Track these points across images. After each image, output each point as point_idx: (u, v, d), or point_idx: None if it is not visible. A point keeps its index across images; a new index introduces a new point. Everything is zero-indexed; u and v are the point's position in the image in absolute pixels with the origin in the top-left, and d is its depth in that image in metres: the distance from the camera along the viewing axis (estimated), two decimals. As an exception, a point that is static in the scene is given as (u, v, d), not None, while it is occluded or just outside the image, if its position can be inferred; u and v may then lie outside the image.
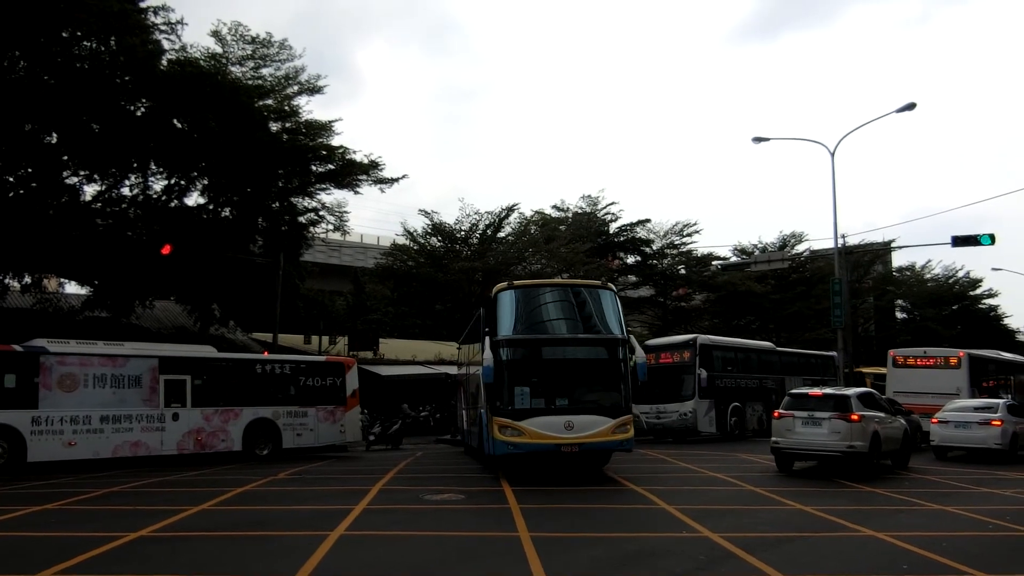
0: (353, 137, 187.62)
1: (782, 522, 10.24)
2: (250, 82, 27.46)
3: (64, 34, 22.41)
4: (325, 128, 29.22)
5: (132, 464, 17.48)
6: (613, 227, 45.67)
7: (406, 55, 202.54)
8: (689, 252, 47.10)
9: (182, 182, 28.18)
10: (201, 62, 25.81)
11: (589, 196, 45.53)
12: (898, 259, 62.19)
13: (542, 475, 14.69)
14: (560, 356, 14.42)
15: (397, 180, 31.16)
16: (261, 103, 27.48)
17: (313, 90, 29.24)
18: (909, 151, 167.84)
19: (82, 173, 25.86)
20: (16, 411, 16.13)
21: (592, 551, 8.45)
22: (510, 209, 37.00)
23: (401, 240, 38.50)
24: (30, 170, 24.74)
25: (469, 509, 11.50)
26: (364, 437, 23.72)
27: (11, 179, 24.72)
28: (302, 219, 31.20)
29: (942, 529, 9.77)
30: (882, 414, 16.40)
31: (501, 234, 37.17)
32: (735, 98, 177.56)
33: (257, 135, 26.06)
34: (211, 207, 29.57)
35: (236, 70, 27.42)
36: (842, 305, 28.22)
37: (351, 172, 30.04)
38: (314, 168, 29.84)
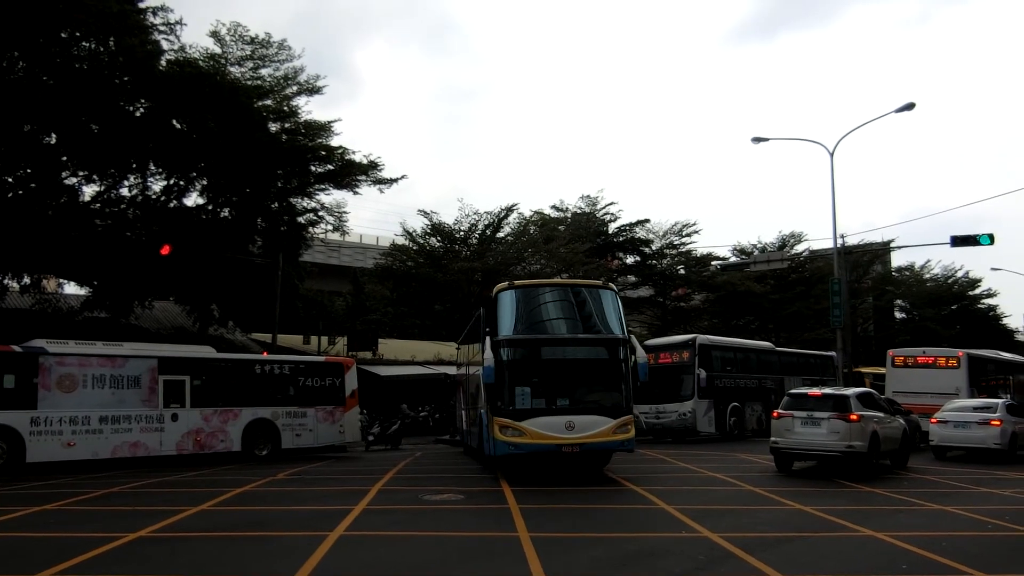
0: (352, 137, 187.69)
1: (781, 522, 10.25)
2: (249, 82, 27.44)
3: (63, 34, 22.39)
4: (324, 128, 29.22)
5: (131, 464, 17.47)
6: (612, 227, 45.70)
7: (405, 55, 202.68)
8: (688, 252, 47.13)
9: (181, 182, 28.17)
10: (200, 62, 25.80)
11: (588, 196, 45.62)
12: (897, 259, 62.31)
13: (541, 475, 14.68)
14: (561, 356, 14.38)
15: (396, 180, 31.18)
16: (260, 103, 27.46)
17: (312, 90, 29.24)
18: (908, 151, 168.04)
19: (81, 173, 25.85)
20: (15, 412, 16.12)
21: (592, 551, 8.45)
22: (509, 209, 37.02)
23: (400, 240, 38.52)
24: (29, 170, 24.72)
25: (468, 509, 11.50)
26: (363, 437, 23.72)
27: (10, 179, 24.70)
28: (301, 219, 31.19)
29: (941, 529, 9.77)
30: (881, 414, 16.42)
31: (500, 234, 37.18)
32: (734, 98, 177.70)
33: (256, 135, 26.04)
34: (210, 207, 29.56)
35: (235, 70, 27.41)
36: (841, 305, 28.23)
37: (350, 172, 30.03)
38: (313, 168, 29.82)
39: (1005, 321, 63.40)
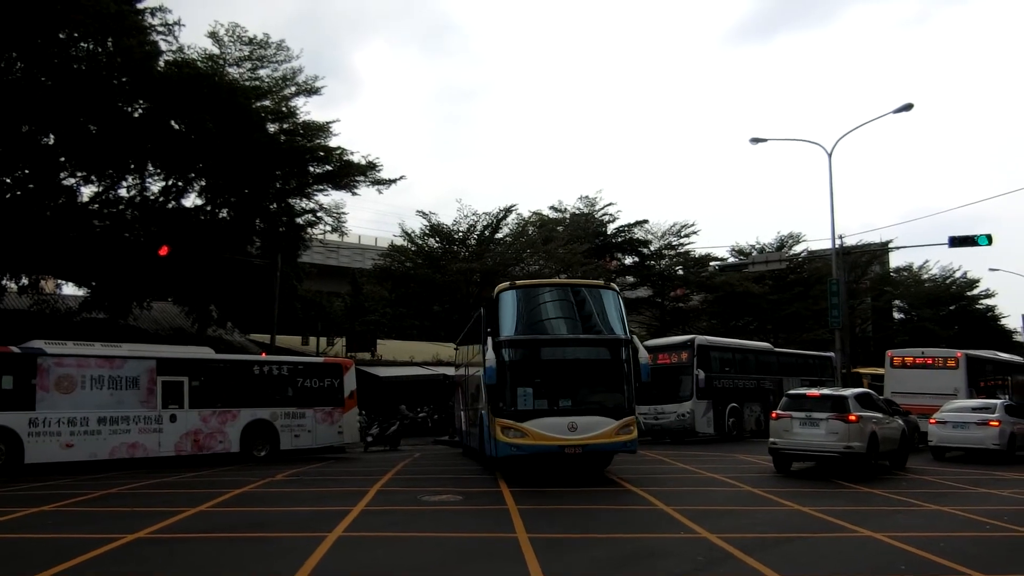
0: (351, 138, 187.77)
1: (780, 523, 10.25)
2: (247, 83, 27.42)
3: (61, 35, 22.38)
4: (323, 129, 29.20)
5: (130, 466, 17.46)
6: (611, 228, 45.68)
7: (404, 56, 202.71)
8: (687, 253, 47.11)
9: (179, 183, 28.15)
10: (198, 63, 25.78)
11: (587, 197, 45.60)
12: (895, 260, 62.37)
13: (540, 476, 14.67)
14: (563, 357, 14.33)
15: (395, 181, 31.17)
16: (258, 104, 27.44)
17: (311, 91, 29.23)
18: (907, 152, 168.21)
19: (79, 174, 25.83)
20: (13, 413, 16.11)
21: (590, 552, 8.45)
22: (508, 210, 37.00)
23: (399, 241, 38.49)
24: (27, 171, 24.69)
25: (467, 510, 11.49)
26: (362, 438, 23.72)
27: (8, 180, 24.68)
28: (300, 220, 31.17)
29: (940, 529, 9.78)
30: (880, 415, 16.43)
31: (499, 235, 37.15)
32: (732, 99, 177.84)
33: (255, 136, 26.03)
34: (209, 208, 29.54)
35: (233, 71, 27.39)
36: (839, 306, 28.24)
37: (349, 173, 30.01)
38: (312, 169, 29.80)
39: (1003, 321, 63.53)
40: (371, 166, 30.18)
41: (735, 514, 10.96)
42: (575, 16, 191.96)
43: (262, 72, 28.19)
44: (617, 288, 15.78)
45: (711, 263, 47.21)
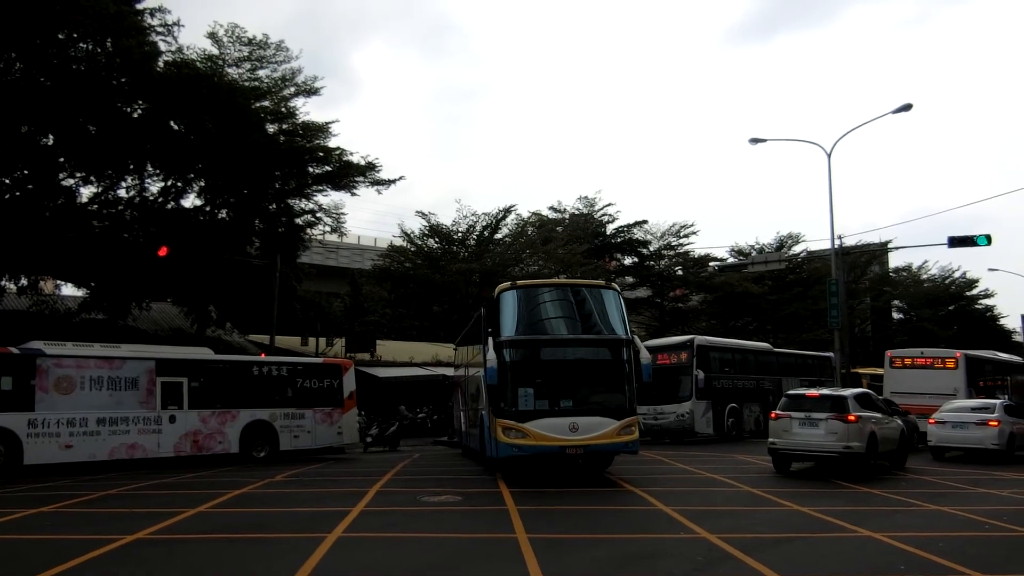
0: (350, 139, 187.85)
1: (780, 523, 10.25)
2: (247, 84, 27.42)
3: (60, 36, 22.37)
4: (322, 130, 29.20)
5: (129, 466, 17.45)
6: (610, 228, 45.70)
7: (404, 56, 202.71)
8: (686, 253, 47.15)
9: (179, 184, 28.14)
10: (198, 64, 25.77)
11: (586, 197, 45.66)
12: (895, 260, 62.44)
13: (539, 477, 14.67)
14: (564, 357, 14.30)
15: (394, 181, 31.16)
16: (258, 105, 27.43)
17: (310, 91, 29.22)
18: (906, 152, 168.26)
19: (78, 175, 25.82)
20: (12, 414, 16.10)
21: (590, 552, 8.45)
22: (507, 210, 37.02)
23: (398, 242, 38.50)
24: (26, 172, 24.69)
25: (467, 511, 11.49)
26: (361, 439, 23.71)
27: (7, 181, 24.67)
28: (299, 221, 31.16)
29: (939, 529, 9.78)
30: (879, 415, 16.43)
31: (498, 235, 37.16)
32: (732, 99, 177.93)
33: (254, 137, 26.02)
34: (208, 209, 29.54)
35: (233, 72, 27.38)
36: (839, 306, 28.25)
37: (348, 174, 30.01)
38: (311, 170, 29.80)
39: (1003, 322, 63.62)
40: (370, 166, 30.19)
41: (735, 514, 10.96)
42: (575, 16, 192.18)
43: (261, 72, 28.21)
44: (618, 288, 15.76)
45: (710, 263, 47.23)
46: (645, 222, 45.97)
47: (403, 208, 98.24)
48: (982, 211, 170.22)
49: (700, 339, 26.55)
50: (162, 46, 24.40)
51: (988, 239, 26.51)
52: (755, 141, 29.38)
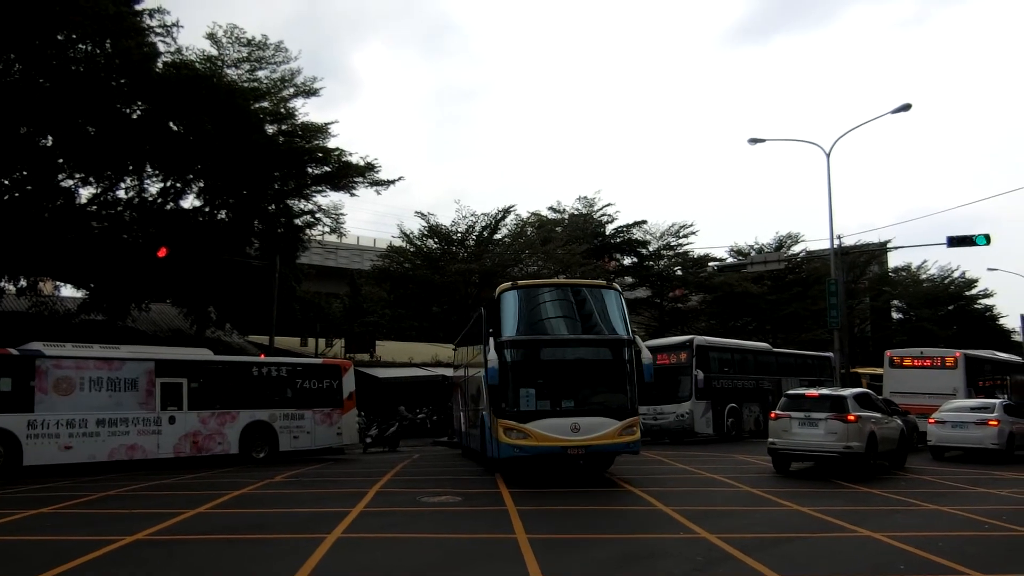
0: (350, 139, 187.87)
1: (779, 523, 10.25)
2: (246, 84, 27.40)
3: (59, 37, 22.36)
4: (321, 130, 29.19)
5: (128, 467, 17.45)
6: (609, 228, 45.69)
7: (403, 57, 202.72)
8: (685, 253, 47.15)
9: (178, 184, 28.14)
10: (197, 64, 25.75)
11: (585, 197, 45.63)
12: (894, 260, 62.52)
13: (539, 477, 14.67)
14: (566, 357, 14.28)
15: (393, 182, 31.15)
16: (257, 105, 27.42)
17: (309, 92, 29.20)
18: (905, 152, 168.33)
19: (77, 176, 25.80)
20: (12, 415, 16.10)
21: (589, 553, 8.45)
22: (506, 211, 37.01)
23: (397, 242, 38.50)
24: (25, 173, 24.68)
25: (466, 511, 11.49)
26: (361, 439, 23.71)
27: (6, 182, 24.66)
28: (298, 221, 31.16)
29: (939, 529, 9.78)
30: (878, 414, 16.44)
31: (497, 236, 37.16)
32: (731, 99, 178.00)
33: (253, 137, 26.01)
34: (207, 210, 29.53)
35: (232, 72, 27.36)
36: (838, 306, 28.26)
37: (347, 174, 30.00)
38: (310, 170, 29.79)
39: (1002, 321, 63.66)
40: (369, 167, 30.19)
41: (734, 514, 10.96)
42: (574, 17, 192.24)
43: (260, 73, 28.19)
44: (619, 288, 15.73)
45: (710, 263, 47.24)
46: (644, 222, 46.00)
47: (402, 208, 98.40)
48: (981, 211, 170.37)
49: (699, 339, 26.56)
50: (161, 47, 24.42)
51: (987, 239, 26.53)
52: (754, 141, 29.39)
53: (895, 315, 61.32)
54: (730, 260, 48.43)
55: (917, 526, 9.97)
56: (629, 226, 45.81)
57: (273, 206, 30.11)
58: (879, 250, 51.14)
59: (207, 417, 18.81)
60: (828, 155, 28.57)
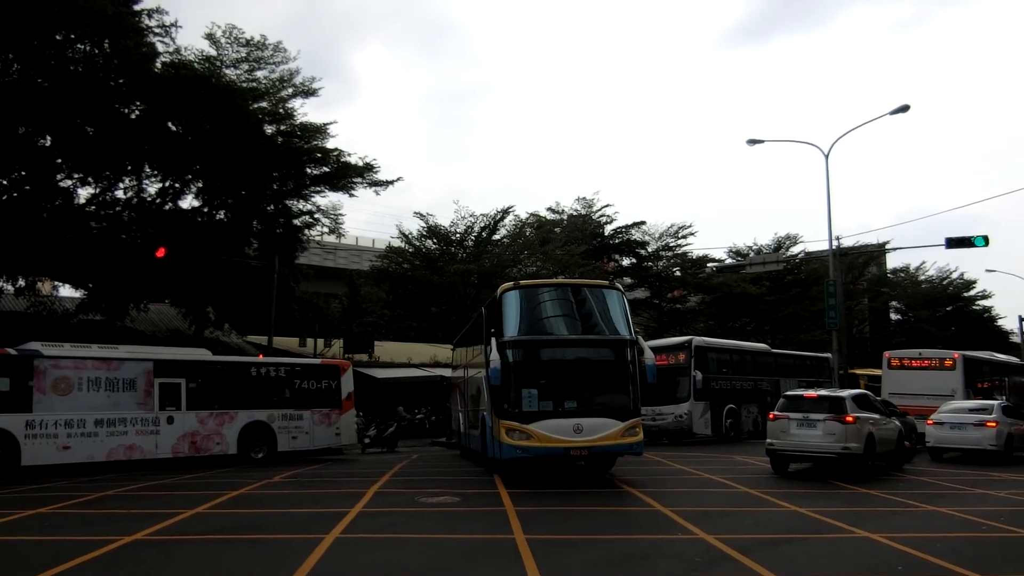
0: (349, 139, 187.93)
1: (777, 524, 10.26)
2: (244, 85, 27.42)
3: (58, 37, 22.36)
4: (320, 131, 29.21)
5: (127, 468, 17.43)
6: (608, 229, 45.71)
7: (402, 57, 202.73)
8: (684, 254, 47.16)
9: (176, 185, 28.14)
10: (195, 65, 25.77)
11: (584, 198, 45.69)
12: (892, 261, 62.55)
13: (538, 477, 14.67)
14: (568, 357, 14.21)
15: (392, 182, 31.18)
16: (256, 106, 27.44)
17: (308, 92, 29.22)
18: (903, 153, 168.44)
19: (76, 176, 25.82)
20: (10, 415, 16.09)
21: (587, 553, 8.46)
22: (505, 211, 37.06)
23: (396, 243, 38.54)
24: (24, 173, 24.68)
25: (465, 512, 11.49)
26: (360, 440, 23.70)
27: (5, 182, 24.66)
28: (297, 222, 31.18)
29: (937, 530, 9.79)
30: (877, 416, 16.45)
31: (496, 236, 37.19)
32: (729, 100, 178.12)
33: (252, 138, 26.02)
34: (206, 210, 29.53)
35: (230, 73, 27.38)
36: (837, 307, 28.27)
37: (346, 175, 30.03)
38: (309, 171, 29.81)
39: (1000, 322, 63.78)
40: (368, 167, 30.21)
41: (733, 515, 10.97)
42: (573, 17, 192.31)
43: (259, 73, 28.21)
44: (621, 288, 15.69)
45: (708, 264, 47.28)
46: (643, 223, 46.03)
47: (401, 209, 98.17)
48: (979, 212, 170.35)
49: (698, 340, 26.56)
50: (160, 47, 24.45)
51: (985, 240, 26.55)
52: (753, 142, 29.41)
53: (893, 316, 61.40)
54: (729, 261, 48.50)
55: (915, 527, 9.98)
56: (628, 227, 45.84)
57: (272, 206, 30.13)
58: (878, 251, 51.22)
59: (205, 417, 18.80)
60: (827, 156, 28.60)
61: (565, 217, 45.08)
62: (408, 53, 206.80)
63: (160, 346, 23.18)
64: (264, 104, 28.10)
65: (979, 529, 9.97)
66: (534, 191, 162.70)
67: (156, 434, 18.00)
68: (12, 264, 25.74)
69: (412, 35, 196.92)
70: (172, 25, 24.26)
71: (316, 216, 31.37)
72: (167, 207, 28.32)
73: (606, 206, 45.51)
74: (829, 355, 30.38)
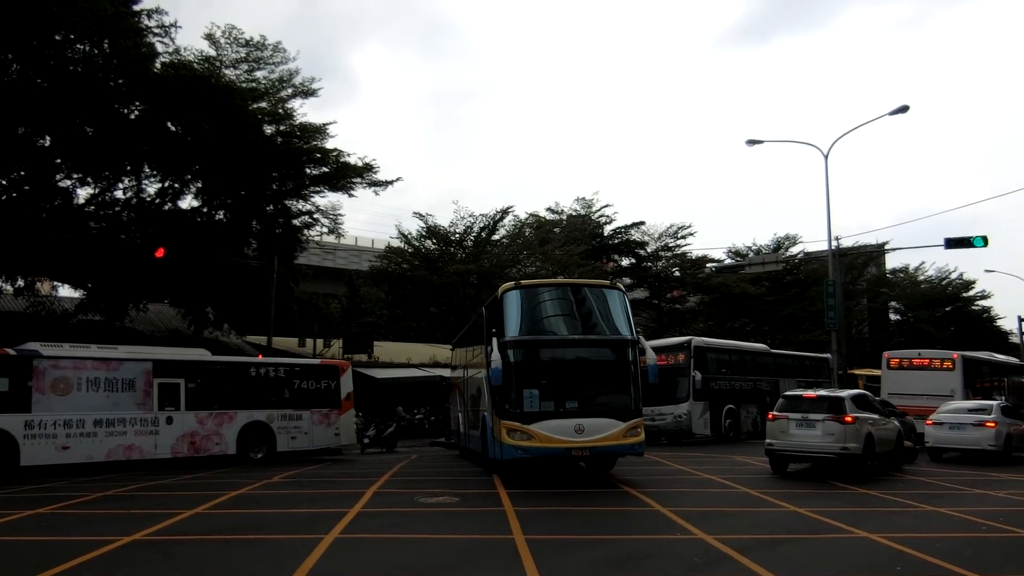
0: (348, 140, 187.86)
1: (776, 524, 10.26)
2: (244, 85, 27.43)
3: (57, 37, 22.35)
4: (319, 131, 29.22)
5: (126, 468, 17.42)
6: (607, 229, 45.76)
7: (401, 57, 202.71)
8: (683, 254, 47.22)
9: (176, 185, 28.14)
10: (195, 65, 25.78)
11: (583, 198, 45.77)
12: (892, 261, 62.59)
13: (537, 478, 14.66)
14: (570, 357, 14.16)
15: (391, 183, 31.20)
16: (255, 106, 27.45)
17: (307, 93, 29.24)
18: (903, 153, 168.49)
19: (75, 176, 25.82)
20: (9, 415, 16.07)
21: (586, 553, 8.46)
22: (504, 212, 37.09)
23: (396, 243, 38.58)
24: (23, 173, 24.67)
25: (464, 512, 11.49)
26: (359, 440, 23.69)
27: (4, 182, 24.65)
28: (296, 222, 31.19)
29: (936, 530, 9.80)
30: (876, 416, 16.46)
31: (496, 237, 37.22)
32: (729, 101, 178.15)
33: (251, 138, 26.02)
34: (205, 210, 29.53)
35: (230, 73, 27.40)
36: (836, 307, 28.28)
37: (345, 175, 30.04)
38: (308, 171, 29.82)
39: (999, 323, 63.80)
40: (368, 168, 30.22)
41: (732, 515, 10.97)
42: (572, 18, 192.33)
43: (259, 74, 28.24)
44: (623, 288, 15.64)
45: (708, 264, 47.31)
46: (642, 223, 46.11)
47: (400, 209, 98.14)
48: (979, 212, 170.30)
49: (697, 340, 26.56)
50: (159, 47, 24.46)
51: (985, 240, 26.56)
52: (752, 143, 29.41)
53: (893, 316, 61.41)
54: (728, 261, 48.53)
55: (914, 527, 9.98)
56: (627, 227, 45.89)
57: (271, 206, 30.14)
58: (877, 251, 51.24)
59: (205, 417, 18.79)
60: (826, 156, 28.60)
61: (564, 217, 45.11)
62: (408, 53, 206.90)
63: (159, 346, 23.16)
64: (264, 104, 28.11)
65: (978, 529, 9.97)
66: (534, 191, 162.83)
67: (155, 434, 17.98)
68: (11, 264, 25.74)
69: (412, 35, 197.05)
70: (171, 25, 24.31)
71: (315, 216, 31.42)
72: (166, 207, 28.33)
73: (605, 206, 45.64)
74: (828, 355, 30.40)
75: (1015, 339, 59.46)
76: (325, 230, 32.66)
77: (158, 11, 23.87)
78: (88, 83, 22.60)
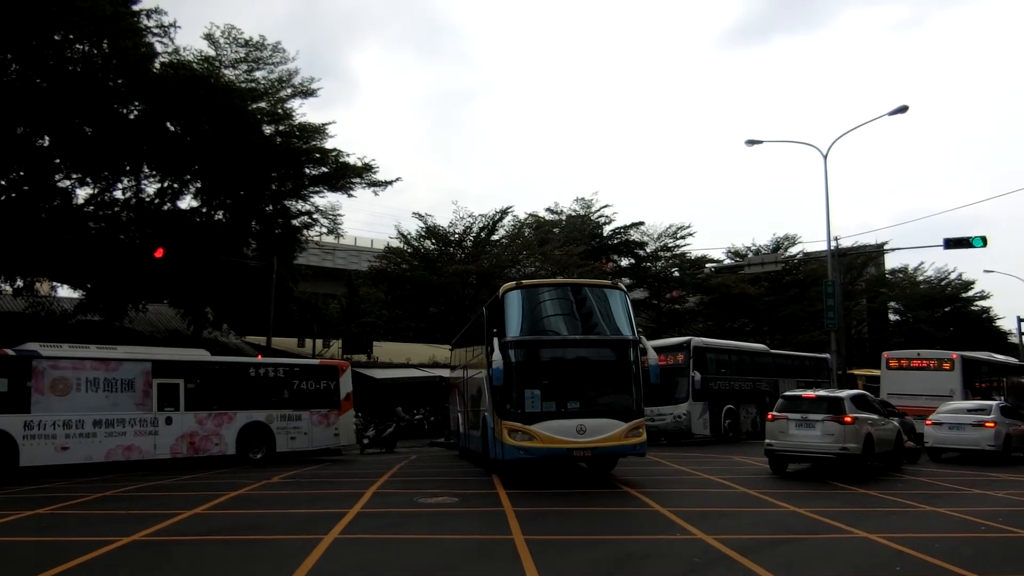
0: (347, 140, 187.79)
1: (776, 524, 10.26)
2: (243, 85, 27.41)
3: (56, 37, 22.34)
4: (319, 131, 29.20)
5: (125, 468, 17.42)
6: (607, 230, 45.77)
7: (401, 58, 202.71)
8: (683, 254, 47.21)
9: (175, 185, 28.12)
10: (194, 65, 25.75)
11: (583, 199, 45.75)
12: (891, 261, 62.61)
13: (536, 478, 14.66)
14: (571, 357, 14.14)
15: (391, 183, 31.17)
16: (254, 106, 27.43)
17: (307, 93, 29.22)
18: (902, 153, 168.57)
19: (74, 176, 25.79)
20: (8, 415, 16.06)
21: (586, 553, 8.46)
22: (504, 212, 37.07)
23: (395, 243, 38.55)
24: (22, 173, 24.65)
25: (464, 512, 11.49)
26: (358, 440, 23.68)
27: (3, 182, 24.63)
28: (296, 222, 31.16)
29: (935, 531, 9.80)
30: (875, 416, 16.47)
31: (495, 237, 37.20)
32: (728, 101, 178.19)
33: (250, 138, 26.01)
34: (204, 210, 29.51)
35: (229, 73, 27.37)
36: (835, 307, 28.29)
37: (344, 175, 30.02)
38: (307, 171, 29.80)
39: (999, 323, 63.79)
40: (367, 168, 30.20)
41: (731, 515, 10.98)
42: (572, 18, 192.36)
43: (258, 74, 28.21)
44: (624, 288, 15.60)
45: (707, 265, 47.30)
46: (642, 223, 46.10)
47: (400, 209, 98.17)
48: (978, 213, 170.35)
49: (697, 340, 26.57)
50: (159, 47, 24.43)
51: (984, 241, 26.57)
52: (751, 143, 29.42)
53: (892, 317, 61.43)
54: (727, 261, 48.55)
55: (913, 527, 9.99)
56: (627, 227, 45.90)
57: (270, 207, 30.12)
58: (876, 252, 51.27)
59: (204, 418, 18.78)
60: (825, 157, 28.61)
61: (564, 217, 45.11)
62: (407, 53, 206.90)
63: (158, 347, 23.16)
64: (263, 104, 28.09)
65: (978, 529, 9.98)
66: (533, 191, 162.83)
67: (155, 435, 17.98)
68: (10, 264, 25.71)
69: (411, 36, 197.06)
70: (171, 25, 24.28)
71: (315, 216, 31.38)
72: (165, 207, 28.31)
73: (605, 206, 45.63)
74: (828, 356, 30.41)
75: (1014, 339, 59.47)
76: (324, 230, 32.66)
77: (157, 11, 23.89)
78: (87, 83, 22.58)
